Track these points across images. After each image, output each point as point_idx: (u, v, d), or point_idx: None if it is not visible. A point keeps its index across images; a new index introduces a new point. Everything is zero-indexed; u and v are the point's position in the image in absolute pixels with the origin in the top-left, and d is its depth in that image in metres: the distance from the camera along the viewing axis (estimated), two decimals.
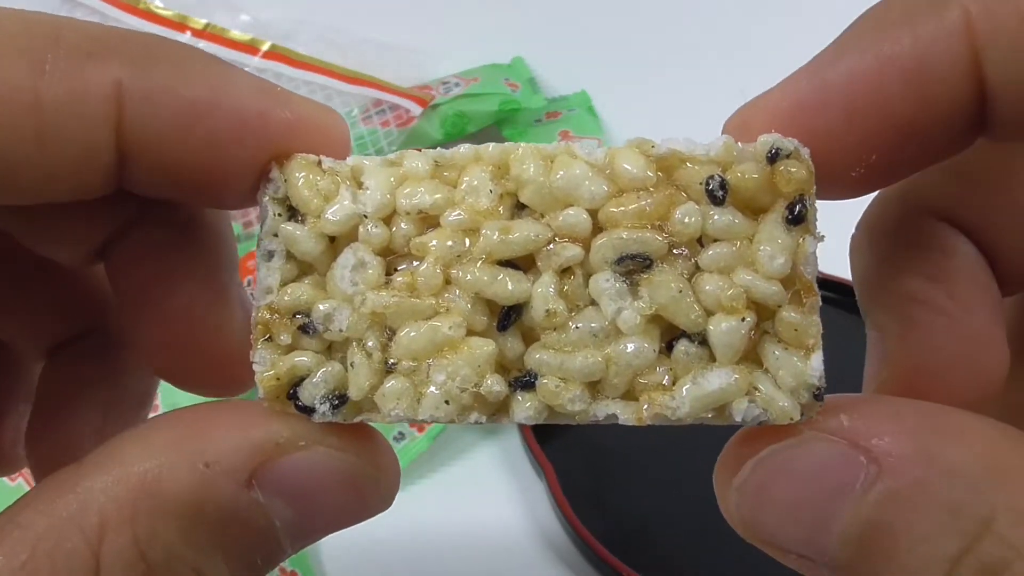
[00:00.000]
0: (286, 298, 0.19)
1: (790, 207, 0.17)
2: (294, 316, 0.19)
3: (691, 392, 0.18)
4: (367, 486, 0.19)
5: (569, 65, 0.65)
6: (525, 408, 0.18)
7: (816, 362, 0.17)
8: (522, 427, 0.45)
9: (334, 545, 0.43)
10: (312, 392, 0.19)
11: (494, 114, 0.59)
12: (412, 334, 0.18)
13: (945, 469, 0.15)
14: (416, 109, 0.58)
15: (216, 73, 0.18)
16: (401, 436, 0.45)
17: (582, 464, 0.44)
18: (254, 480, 0.18)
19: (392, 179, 0.19)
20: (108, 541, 0.16)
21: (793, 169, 0.17)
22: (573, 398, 0.18)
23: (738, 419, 0.18)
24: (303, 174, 0.18)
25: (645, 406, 0.18)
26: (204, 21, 0.63)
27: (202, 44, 0.62)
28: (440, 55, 0.63)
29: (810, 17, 0.66)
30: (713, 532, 0.42)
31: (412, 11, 0.68)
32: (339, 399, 0.19)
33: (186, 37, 0.62)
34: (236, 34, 0.62)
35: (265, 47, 0.62)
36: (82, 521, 0.16)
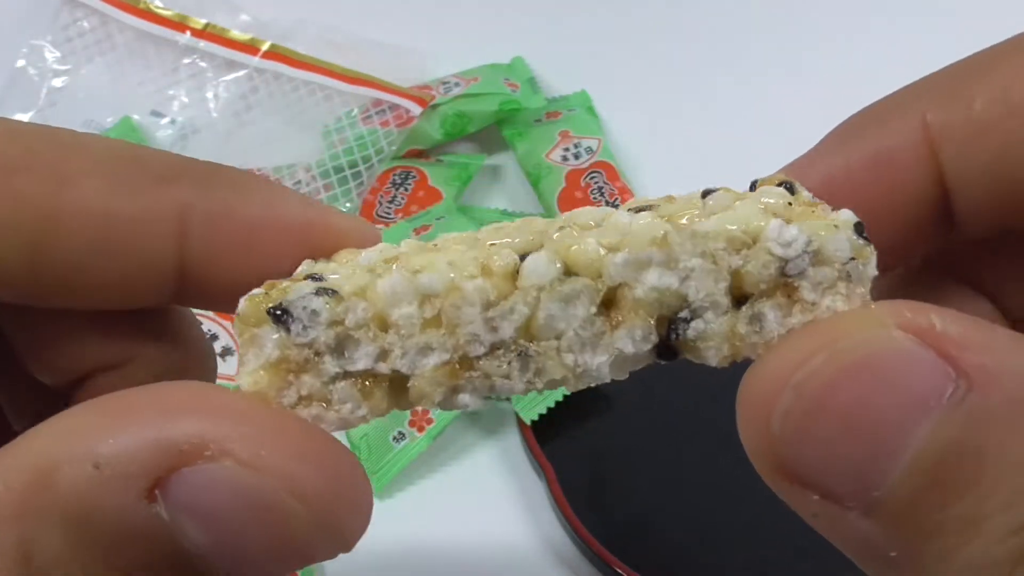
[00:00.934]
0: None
1: None
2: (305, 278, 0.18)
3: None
4: (293, 522, 0.15)
5: (569, 65, 0.65)
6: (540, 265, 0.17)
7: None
8: (522, 427, 0.45)
9: None
10: (298, 304, 0.17)
11: (494, 114, 0.59)
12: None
13: None
14: (416, 109, 0.58)
15: (269, 194, 0.20)
16: (401, 436, 0.45)
17: (582, 464, 0.44)
18: (158, 491, 0.15)
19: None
20: None
21: None
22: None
23: (776, 244, 0.16)
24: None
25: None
26: (204, 21, 0.63)
27: (202, 44, 0.62)
28: (440, 55, 0.63)
29: (810, 17, 0.66)
30: (713, 532, 0.43)
31: (412, 11, 0.68)
32: (327, 291, 0.17)
33: (186, 37, 0.62)
34: (236, 34, 0.62)
35: (265, 47, 0.62)
36: None
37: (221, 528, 0.15)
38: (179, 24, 0.63)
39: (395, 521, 0.44)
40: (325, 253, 0.20)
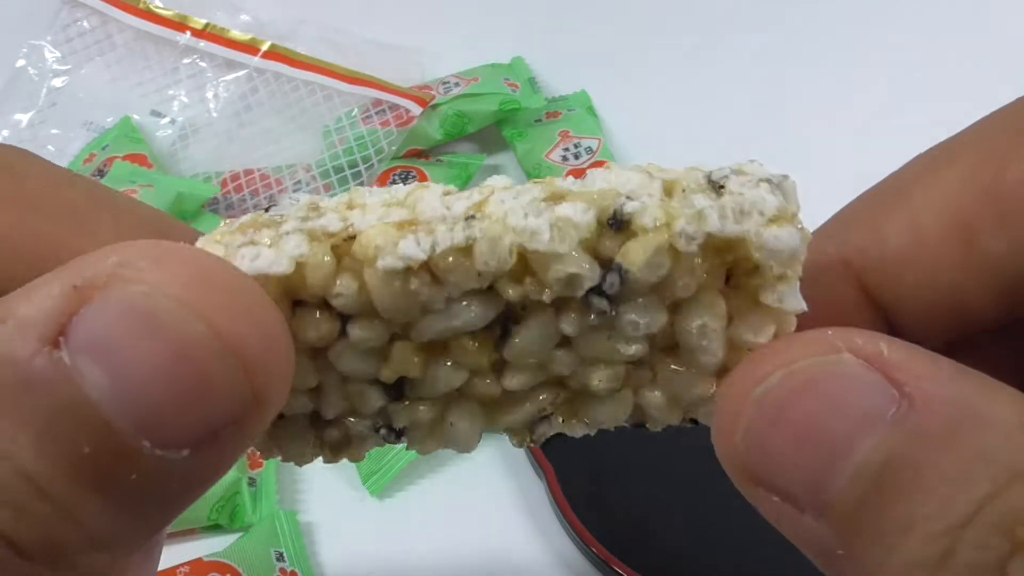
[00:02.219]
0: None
1: None
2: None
3: None
4: (181, 331, 0.14)
5: (569, 65, 0.65)
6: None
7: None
8: None
9: (333, 545, 0.43)
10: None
11: (494, 114, 0.59)
12: None
13: (981, 418, 0.15)
14: (416, 109, 0.58)
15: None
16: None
17: (582, 464, 0.44)
18: (62, 336, 0.14)
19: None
20: None
21: None
22: None
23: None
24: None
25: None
26: (204, 21, 0.63)
27: (202, 44, 0.62)
28: (440, 55, 0.63)
29: (810, 18, 0.66)
30: (713, 532, 0.43)
31: (412, 11, 0.68)
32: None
33: (186, 37, 0.62)
34: (236, 34, 0.62)
35: (265, 47, 0.62)
36: None
37: (117, 361, 0.14)
38: (179, 24, 0.63)
39: (395, 521, 0.44)
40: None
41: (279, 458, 0.19)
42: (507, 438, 0.19)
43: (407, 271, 0.16)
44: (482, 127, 0.60)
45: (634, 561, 0.40)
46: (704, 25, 0.68)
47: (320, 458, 0.19)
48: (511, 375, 0.18)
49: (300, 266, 0.16)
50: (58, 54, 0.64)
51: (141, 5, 0.63)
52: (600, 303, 0.17)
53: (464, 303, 0.17)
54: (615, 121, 0.62)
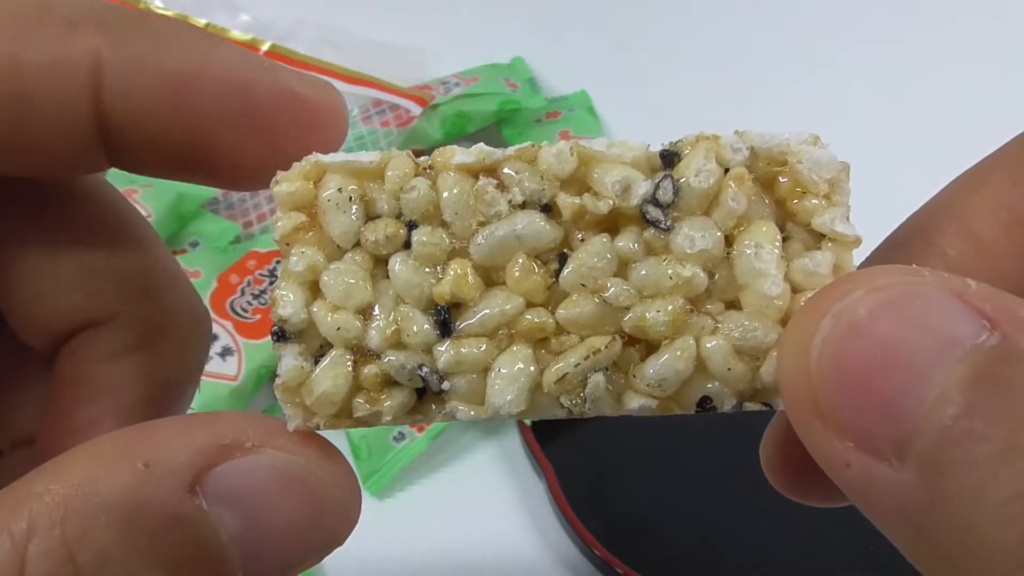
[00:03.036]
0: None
1: None
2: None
3: None
4: (321, 493, 0.17)
5: (569, 65, 0.65)
6: None
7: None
8: (522, 427, 0.45)
9: None
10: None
11: (494, 114, 0.59)
12: None
13: None
14: (416, 109, 0.58)
15: (199, 45, 0.18)
16: (401, 436, 0.45)
17: (582, 464, 0.44)
18: (198, 486, 0.16)
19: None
20: (35, 542, 0.15)
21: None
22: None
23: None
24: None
25: None
26: (204, 21, 0.63)
27: None
28: (440, 55, 0.63)
29: (809, 19, 0.66)
30: (713, 532, 0.43)
31: (412, 11, 0.68)
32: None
33: None
34: (236, 34, 0.62)
35: (265, 47, 0.61)
36: (11, 524, 0.15)
37: (254, 510, 0.16)
38: None
39: (395, 521, 0.44)
40: (272, 127, 0.18)
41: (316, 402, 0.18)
42: (555, 410, 0.18)
43: (476, 170, 0.18)
44: (482, 127, 0.60)
45: (634, 561, 0.40)
46: (704, 25, 0.68)
47: (352, 410, 0.18)
48: (567, 306, 0.18)
49: (383, 159, 0.18)
50: None
51: (141, 5, 0.63)
52: (655, 213, 0.17)
53: (527, 211, 0.18)
54: (615, 121, 0.62)
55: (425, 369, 0.18)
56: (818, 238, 0.18)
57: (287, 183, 0.18)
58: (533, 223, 0.17)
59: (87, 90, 0.18)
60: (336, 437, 0.46)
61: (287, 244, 0.18)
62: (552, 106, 0.62)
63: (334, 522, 0.18)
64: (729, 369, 0.17)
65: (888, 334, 0.14)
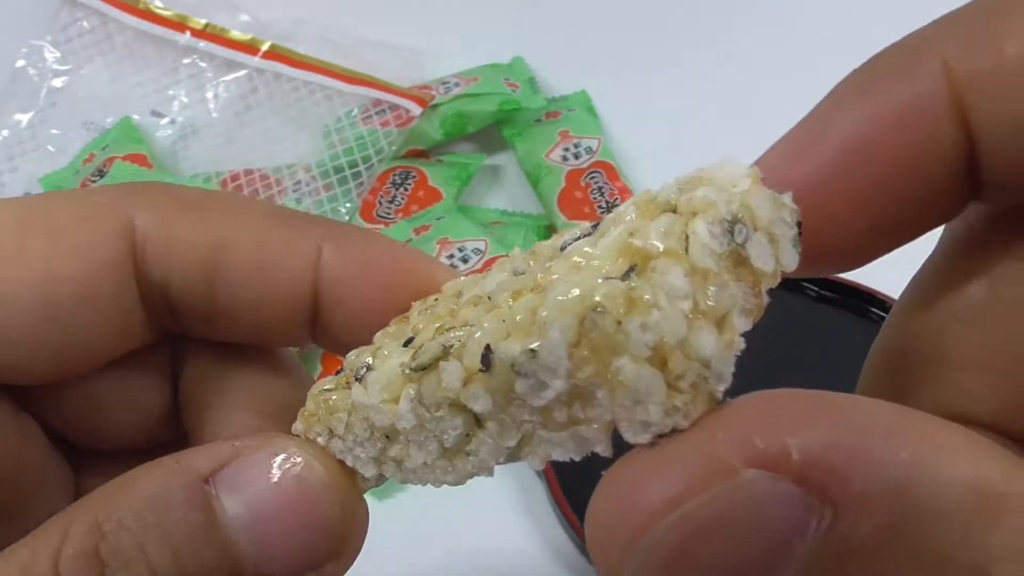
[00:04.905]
0: None
1: None
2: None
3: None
4: (324, 500, 0.18)
5: (569, 65, 0.65)
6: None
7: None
8: None
9: None
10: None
11: (494, 114, 0.59)
12: None
13: (927, 505, 0.12)
14: (416, 109, 0.58)
15: (382, 240, 0.22)
16: None
17: (582, 464, 0.44)
18: (211, 479, 0.18)
19: None
20: (69, 543, 0.17)
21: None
22: None
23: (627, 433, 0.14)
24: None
25: None
26: (204, 21, 0.63)
27: (202, 44, 0.62)
28: (440, 55, 0.63)
29: (809, 19, 0.66)
30: None
31: (412, 11, 0.68)
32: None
33: (186, 37, 0.62)
34: (236, 34, 0.62)
35: (265, 47, 0.62)
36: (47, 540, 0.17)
37: (260, 500, 0.18)
38: (179, 24, 0.63)
39: (395, 521, 0.44)
40: (417, 295, 0.20)
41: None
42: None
43: None
44: (482, 127, 0.60)
45: None
46: (705, 24, 0.68)
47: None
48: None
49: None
50: (58, 54, 0.64)
51: (141, 5, 0.63)
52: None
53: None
54: (615, 121, 0.62)
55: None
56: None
57: None
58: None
59: (311, 269, 0.20)
60: None
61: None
62: (552, 106, 0.62)
63: (332, 517, 0.19)
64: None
65: (710, 563, 0.13)
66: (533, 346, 0.14)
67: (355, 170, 0.57)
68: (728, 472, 0.13)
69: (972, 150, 0.15)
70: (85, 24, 0.64)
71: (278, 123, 0.60)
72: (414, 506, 0.45)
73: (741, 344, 0.14)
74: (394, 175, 0.58)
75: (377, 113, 0.58)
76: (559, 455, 0.16)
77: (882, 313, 0.50)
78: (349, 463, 0.19)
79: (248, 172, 0.58)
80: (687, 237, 0.14)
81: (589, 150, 0.58)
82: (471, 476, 0.18)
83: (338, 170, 0.57)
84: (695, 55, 0.66)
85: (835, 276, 0.51)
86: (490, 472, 0.17)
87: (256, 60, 0.61)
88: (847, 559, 0.12)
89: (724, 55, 0.66)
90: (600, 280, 0.14)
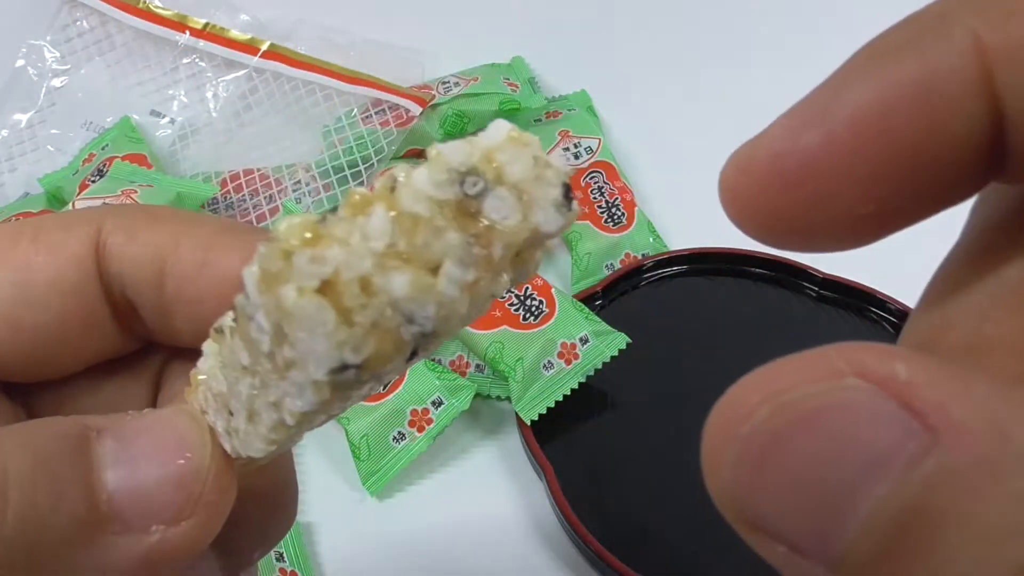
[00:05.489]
0: None
1: None
2: None
3: None
4: (193, 452, 0.19)
5: (569, 65, 0.65)
6: None
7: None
8: (522, 427, 0.45)
9: (333, 546, 0.43)
10: None
11: (494, 114, 0.59)
12: None
13: (1022, 453, 0.12)
14: (416, 109, 0.58)
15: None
16: (401, 436, 0.45)
17: (582, 464, 0.44)
18: (97, 431, 0.19)
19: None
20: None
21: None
22: None
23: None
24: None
25: None
26: (203, 21, 0.63)
27: (201, 44, 0.62)
28: (440, 55, 0.63)
29: (810, 19, 0.66)
30: (713, 532, 0.43)
31: (412, 11, 0.68)
32: None
33: (185, 37, 0.62)
34: (235, 34, 0.62)
35: (264, 47, 0.62)
36: None
37: (130, 435, 0.19)
38: (178, 24, 0.63)
39: (395, 521, 0.44)
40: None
41: None
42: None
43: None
44: (482, 127, 0.60)
45: (634, 561, 0.40)
46: (705, 24, 0.68)
47: None
48: None
49: None
50: (57, 54, 0.64)
51: (141, 5, 0.63)
52: None
53: None
54: (615, 121, 0.62)
55: None
56: None
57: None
58: None
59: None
60: (336, 439, 0.46)
61: None
62: (552, 106, 0.62)
63: (196, 472, 0.19)
64: None
65: (803, 459, 0.13)
66: (247, 287, 0.14)
67: (355, 170, 0.56)
68: (836, 374, 0.13)
69: (998, 128, 0.15)
70: (85, 24, 0.64)
71: (278, 123, 0.60)
72: (414, 506, 0.45)
73: (451, 291, 0.14)
74: None
75: (377, 113, 0.58)
76: (296, 406, 0.16)
77: (882, 313, 0.50)
78: None
79: (248, 172, 0.58)
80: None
81: (589, 150, 0.58)
82: (271, 443, 0.17)
83: (338, 170, 0.57)
84: (695, 55, 0.66)
85: (835, 276, 0.51)
86: (280, 437, 0.17)
87: (255, 60, 0.61)
88: (937, 489, 0.12)
89: (724, 55, 0.66)
90: (293, 220, 0.14)
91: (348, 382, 0.14)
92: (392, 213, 0.14)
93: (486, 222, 0.14)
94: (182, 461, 0.19)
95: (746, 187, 0.16)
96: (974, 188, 0.16)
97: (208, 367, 0.18)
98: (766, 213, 0.16)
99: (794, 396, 0.13)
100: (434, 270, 0.14)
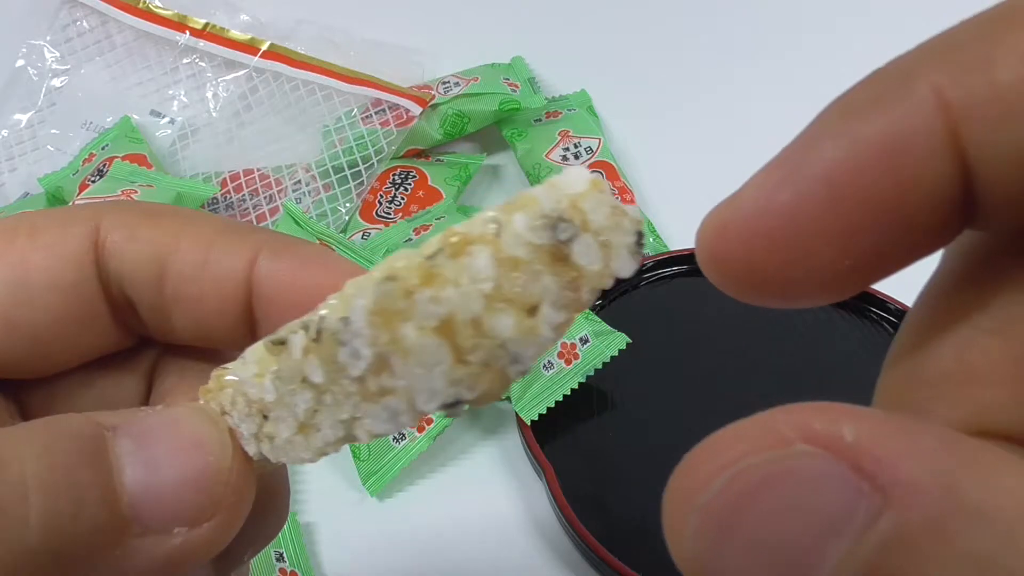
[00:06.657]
0: None
1: None
2: None
3: None
4: (213, 454, 0.19)
5: (569, 65, 0.65)
6: None
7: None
8: (522, 427, 0.45)
9: (333, 545, 0.43)
10: None
11: (494, 114, 0.59)
12: None
13: (971, 509, 0.12)
14: (416, 109, 0.58)
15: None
16: (401, 436, 0.45)
17: (582, 464, 0.44)
18: (113, 429, 0.19)
19: None
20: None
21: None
22: None
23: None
24: None
25: None
26: (203, 21, 0.63)
27: (201, 44, 0.62)
28: (440, 55, 0.63)
29: (811, 19, 0.66)
30: None
31: (412, 11, 0.68)
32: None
33: (185, 37, 0.62)
34: (235, 34, 0.62)
35: (264, 47, 0.62)
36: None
37: (150, 441, 0.18)
38: (178, 24, 0.63)
39: (395, 521, 0.44)
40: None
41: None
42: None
43: None
44: (482, 127, 0.60)
45: (634, 561, 0.40)
46: (705, 24, 0.68)
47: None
48: None
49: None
50: (57, 54, 0.64)
51: (141, 5, 0.63)
52: None
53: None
54: (615, 121, 0.62)
55: None
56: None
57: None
58: None
59: (247, 280, 0.22)
60: None
61: None
62: (552, 106, 0.62)
63: (217, 474, 0.19)
64: None
65: (760, 526, 0.13)
66: (347, 314, 0.15)
67: (355, 170, 0.56)
68: (783, 441, 0.13)
69: (967, 180, 0.15)
70: (85, 24, 0.64)
71: (278, 123, 0.60)
72: (414, 506, 0.45)
73: (548, 333, 0.15)
74: (394, 175, 0.58)
75: (377, 113, 0.58)
76: (379, 429, 0.16)
77: (882, 313, 0.50)
78: None
79: (248, 172, 0.58)
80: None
81: (589, 150, 0.58)
82: (323, 453, 0.18)
83: (338, 170, 0.57)
84: (695, 55, 0.66)
85: None
86: (336, 448, 0.18)
87: (255, 60, 0.61)
88: (891, 551, 0.13)
89: (725, 55, 0.66)
90: (408, 259, 0.15)
91: (455, 415, 0.16)
92: (493, 253, 0.14)
93: (576, 267, 0.15)
94: (203, 462, 0.19)
95: (724, 248, 0.16)
96: (949, 236, 0.16)
97: (248, 373, 0.18)
98: (746, 272, 0.16)
99: (745, 465, 0.13)
100: (529, 311, 0.15)
